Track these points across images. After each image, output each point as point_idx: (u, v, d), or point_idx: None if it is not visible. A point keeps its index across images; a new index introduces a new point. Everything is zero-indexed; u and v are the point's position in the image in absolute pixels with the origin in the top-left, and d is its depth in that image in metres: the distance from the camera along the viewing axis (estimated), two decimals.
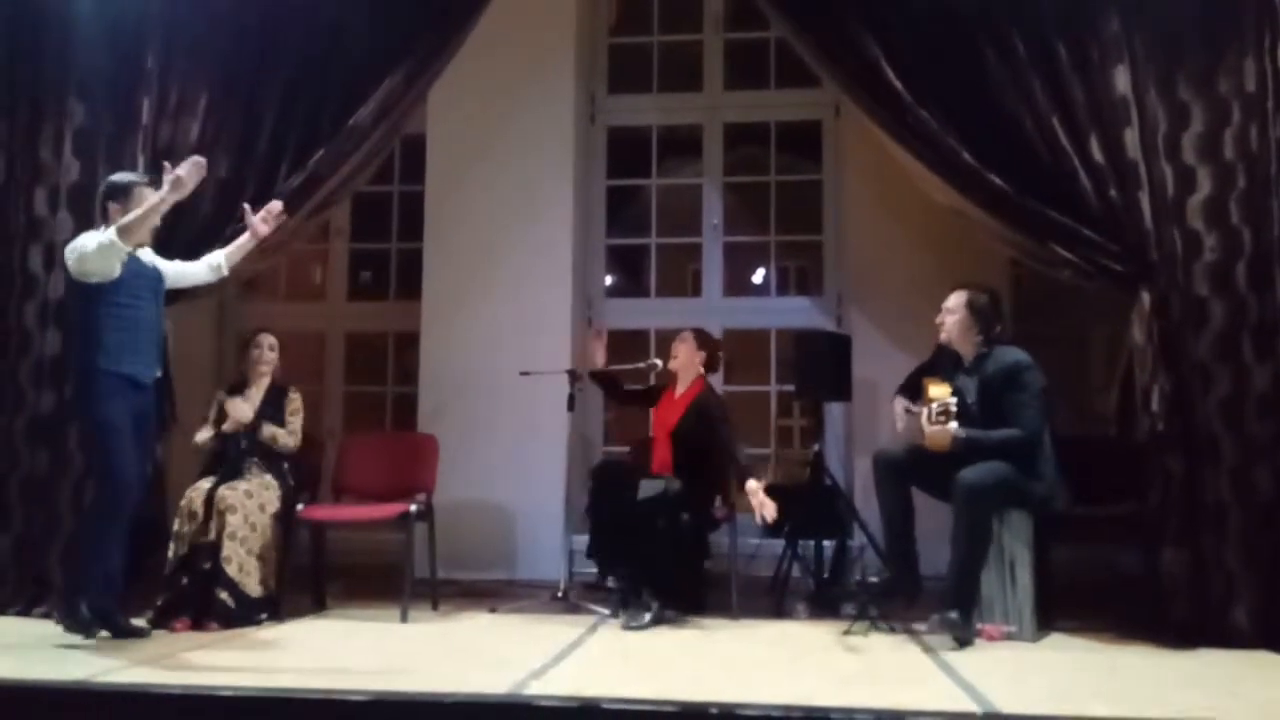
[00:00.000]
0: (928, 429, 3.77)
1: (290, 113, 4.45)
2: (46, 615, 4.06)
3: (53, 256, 4.40)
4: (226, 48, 4.50)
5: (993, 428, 3.81)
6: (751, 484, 4.09)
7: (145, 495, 3.90)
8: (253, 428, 4.33)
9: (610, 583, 4.37)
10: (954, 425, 3.71)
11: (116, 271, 3.68)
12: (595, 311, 6.03)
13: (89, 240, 3.70)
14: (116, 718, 2.92)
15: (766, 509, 3.97)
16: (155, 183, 3.76)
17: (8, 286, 4.43)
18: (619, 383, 4.87)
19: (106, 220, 3.78)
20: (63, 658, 3.38)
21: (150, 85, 4.45)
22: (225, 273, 4.11)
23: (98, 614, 3.65)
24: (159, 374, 3.89)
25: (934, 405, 3.74)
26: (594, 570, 4.51)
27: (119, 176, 3.91)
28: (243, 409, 4.34)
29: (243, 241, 4.06)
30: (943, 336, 4.05)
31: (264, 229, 3.98)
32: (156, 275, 3.91)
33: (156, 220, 3.79)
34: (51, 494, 4.25)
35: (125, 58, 4.47)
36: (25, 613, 4.13)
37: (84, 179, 4.44)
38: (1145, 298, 3.96)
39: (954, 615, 3.65)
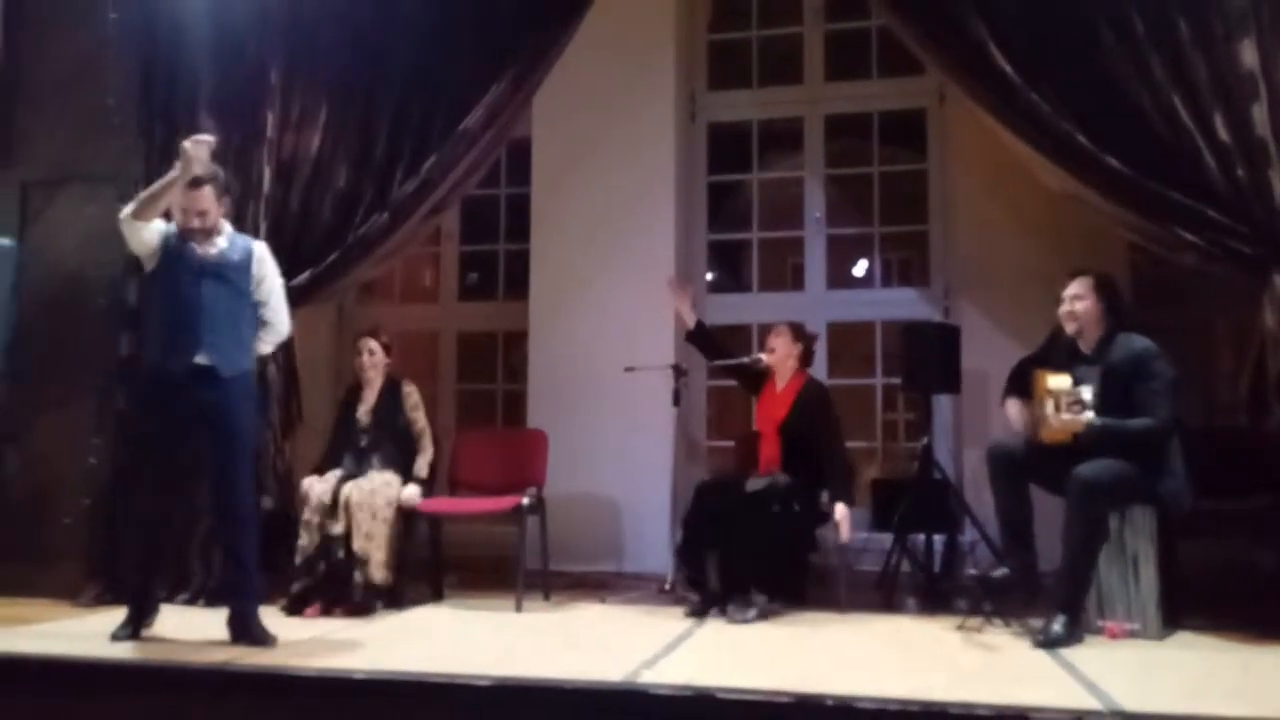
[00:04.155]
0: (1056, 420, 3.63)
1: (404, 121, 4.60)
2: (190, 602, 4.33)
3: None
4: (343, 62, 4.68)
5: (1117, 418, 3.67)
6: (840, 510, 4.19)
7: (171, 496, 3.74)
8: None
9: (710, 581, 4.24)
10: (1089, 414, 3.59)
11: (150, 247, 3.56)
12: (697, 307, 6.03)
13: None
14: (257, 697, 3.09)
15: (844, 534, 4.19)
16: (195, 181, 3.58)
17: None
18: (718, 343, 4.87)
19: None
20: (205, 642, 3.56)
21: (274, 100, 4.66)
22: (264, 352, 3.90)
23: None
24: (201, 361, 3.53)
25: (1064, 396, 3.61)
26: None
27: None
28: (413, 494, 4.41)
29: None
30: (1072, 327, 3.87)
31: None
32: (223, 261, 3.63)
33: (172, 197, 3.54)
34: (192, 490, 4.47)
35: (250, 75, 4.70)
36: (169, 600, 4.32)
37: None
38: (1277, 281, 3.77)
39: (1057, 629, 3.55)
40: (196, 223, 3.60)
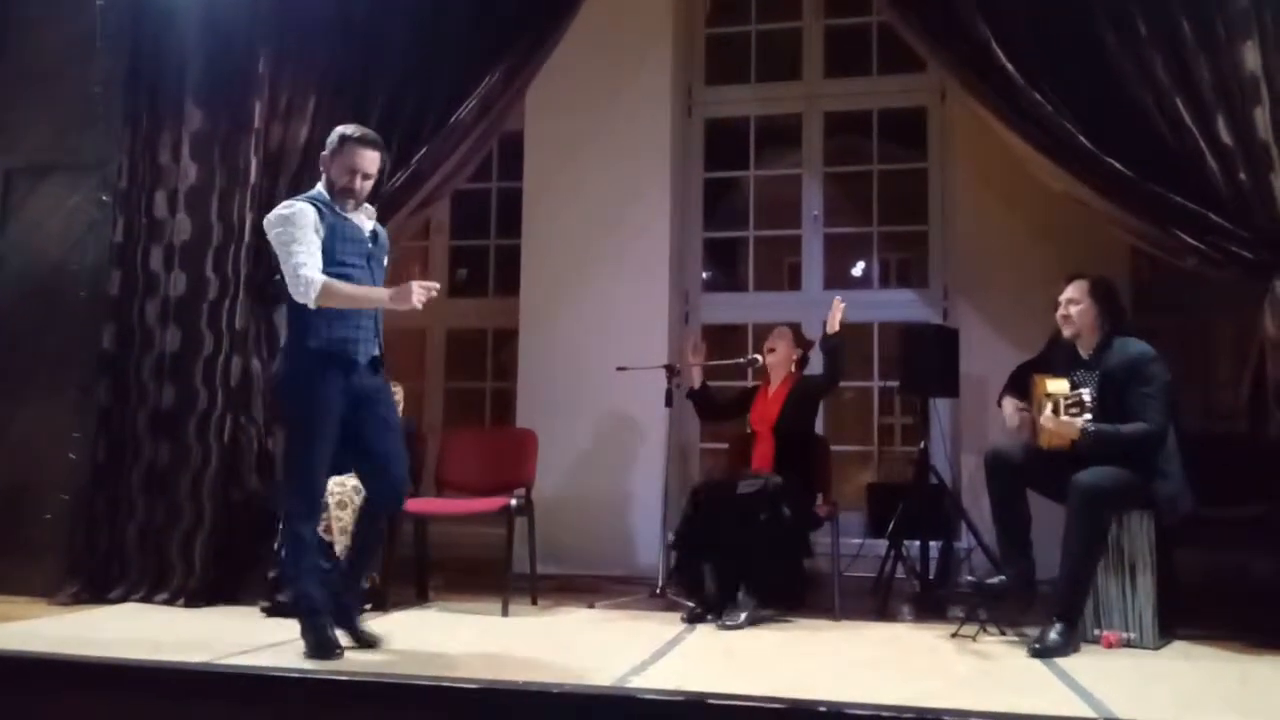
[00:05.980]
0: (1054, 423, 3.57)
1: (395, 113, 4.52)
2: (169, 602, 4.25)
3: (172, 257, 4.61)
4: (333, 51, 4.60)
5: (1115, 423, 3.62)
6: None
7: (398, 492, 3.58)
8: None
9: (706, 586, 4.19)
10: (1085, 418, 3.53)
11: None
12: (692, 306, 5.99)
13: (291, 232, 3.32)
14: (239, 699, 3.01)
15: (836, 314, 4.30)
16: (369, 140, 3.44)
17: (130, 286, 4.63)
18: (715, 402, 4.79)
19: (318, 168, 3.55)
20: (186, 643, 3.50)
21: (262, 89, 4.58)
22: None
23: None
24: (377, 352, 3.50)
25: (1064, 399, 3.56)
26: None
27: (343, 128, 3.50)
28: None
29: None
30: (1068, 331, 3.82)
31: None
32: (374, 241, 3.50)
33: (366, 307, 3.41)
34: (172, 485, 4.43)
35: (238, 64, 4.62)
36: (148, 599, 4.32)
37: (200, 181, 4.62)
38: (1278, 286, 3.72)
39: (1055, 636, 3.49)
40: (359, 184, 3.42)
